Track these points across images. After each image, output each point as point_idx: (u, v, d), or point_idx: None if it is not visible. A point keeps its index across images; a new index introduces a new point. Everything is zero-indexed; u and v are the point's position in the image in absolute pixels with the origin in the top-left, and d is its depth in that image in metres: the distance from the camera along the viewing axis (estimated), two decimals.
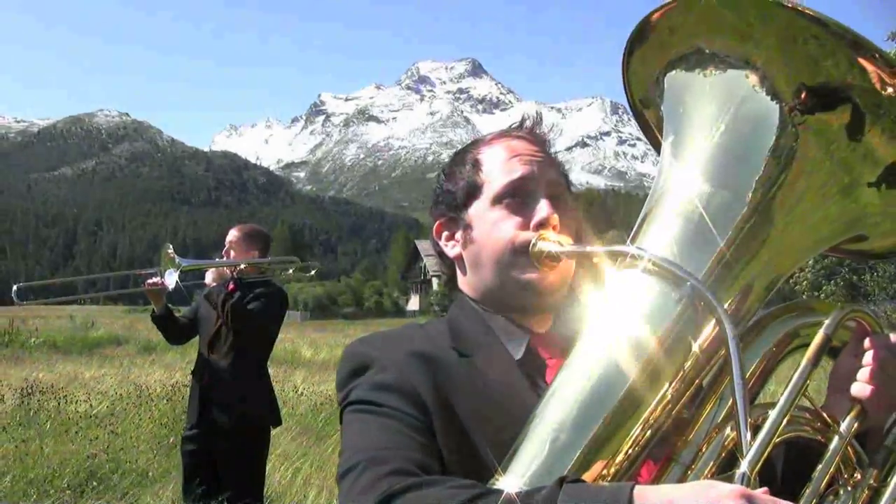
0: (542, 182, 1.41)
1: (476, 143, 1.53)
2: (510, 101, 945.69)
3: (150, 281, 5.05)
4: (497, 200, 1.40)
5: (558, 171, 1.47)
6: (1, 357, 19.56)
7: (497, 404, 1.27)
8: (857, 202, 1.29)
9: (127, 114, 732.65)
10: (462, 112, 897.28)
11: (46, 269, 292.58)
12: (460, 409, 1.26)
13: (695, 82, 1.30)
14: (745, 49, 1.23)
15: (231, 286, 4.99)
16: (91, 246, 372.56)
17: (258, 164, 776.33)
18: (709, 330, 1.16)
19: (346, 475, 1.16)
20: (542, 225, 1.35)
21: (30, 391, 11.17)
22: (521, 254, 1.35)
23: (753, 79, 1.23)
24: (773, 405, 1.16)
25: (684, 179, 1.26)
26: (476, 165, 1.46)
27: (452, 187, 1.50)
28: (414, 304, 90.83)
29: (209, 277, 5.02)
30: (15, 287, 5.82)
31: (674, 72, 1.34)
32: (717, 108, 1.26)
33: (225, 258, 5.11)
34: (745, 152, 1.24)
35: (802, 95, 1.19)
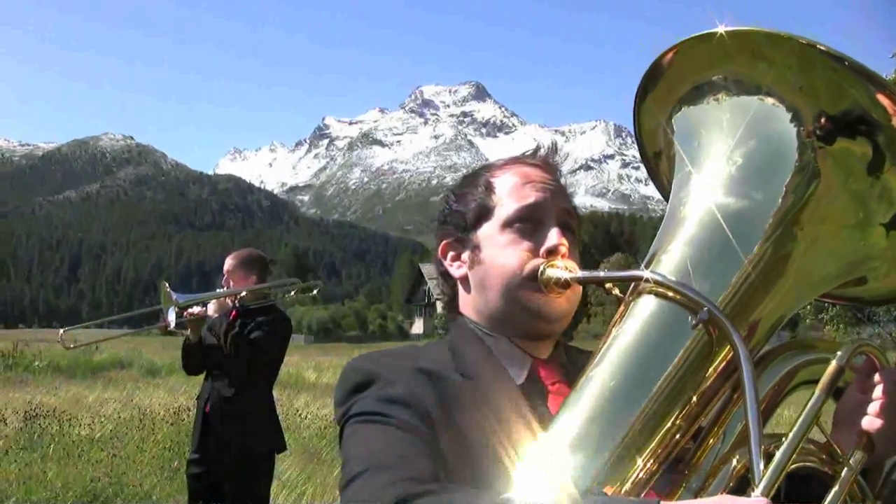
0: (553, 210, 1.42)
1: (489, 167, 1.54)
2: (514, 125, 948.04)
3: (191, 310, 5.03)
4: (508, 224, 1.41)
5: (569, 201, 1.47)
6: (4, 380, 19.56)
7: (499, 428, 1.26)
8: (867, 241, 1.28)
9: (131, 137, 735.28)
10: (466, 135, 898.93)
11: (51, 292, 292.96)
12: (466, 426, 1.26)
13: (707, 112, 1.29)
14: (759, 72, 1.22)
15: (233, 314, 5.01)
16: (95, 269, 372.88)
17: (262, 187, 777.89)
18: (721, 358, 1.15)
19: (353, 481, 1.15)
20: (552, 252, 1.36)
21: (33, 414, 11.17)
22: (529, 279, 1.36)
23: (769, 102, 1.21)
24: (780, 436, 1.16)
25: (701, 206, 1.25)
26: (489, 188, 1.46)
27: (463, 208, 1.50)
28: (418, 327, 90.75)
29: (211, 308, 5.02)
30: None
31: (685, 108, 1.33)
32: (731, 136, 1.25)
33: (225, 287, 5.11)
34: (762, 179, 1.23)
35: (822, 121, 1.18)
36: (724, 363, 1.15)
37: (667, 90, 1.35)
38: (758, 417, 1.02)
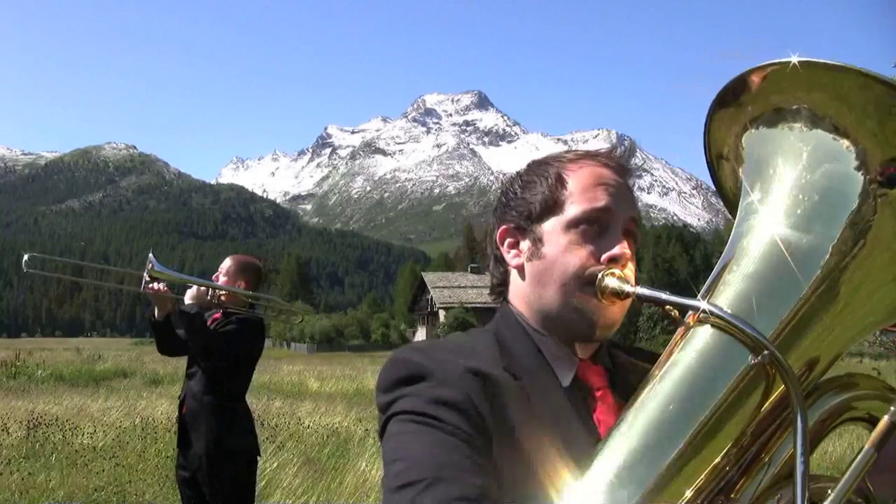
0: (621, 217, 1.40)
1: (561, 159, 1.51)
2: (516, 133, 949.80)
3: (154, 286, 5.06)
4: (574, 224, 1.39)
5: (636, 208, 1.47)
6: (7, 389, 19.63)
7: (546, 433, 1.28)
8: None
9: (134, 146, 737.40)
10: (468, 144, 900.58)
11: (53, 303, 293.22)
12: (519, 431, 1.27)
13: (782, 139, 1.29)
14: (839, 111, 1.23)
15: (217, 315, 5.06)
16: (98, 279, 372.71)
17: (265, 196, 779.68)
18: (773, 398, 1.16)
19: (404, 488, 1.14)
20: (614, 261, 1.35)
21: (36, 424, 11.22)
22: (586, 283, 1.35)
23: (843, 143, 1.22)
24: (818, 478, 1.19)
25: (766, 239, 1.25)
26: (560, 181, 1.44)
27: (530, 197, 1.48)
28: (421, 335, 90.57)
29: (188, 298, 5.03)
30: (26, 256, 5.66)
31: (761, 129, 1.33)
32: (803, 169, 1.25)
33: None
34: (825, 220, 1.23)
35: (888, 167, 1.19)
36: (774, 403, 1.16)
37: (745, 106, 1.33)
38: (806, 470, 1.03)
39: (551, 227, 1.42)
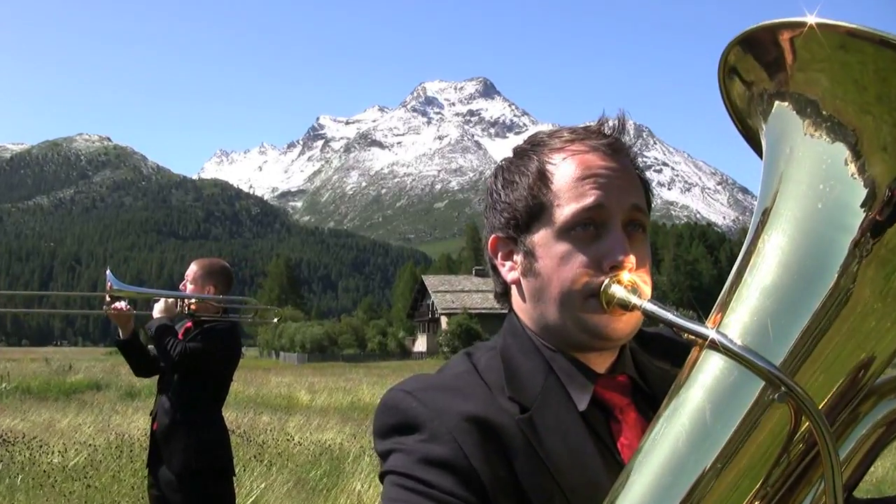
0: (618, 210, 1.33)
1: (542, 145, 1.42)
2: (525, 124, 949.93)
3: (115, 305, 5.06)
4: (564, 231, 1.33)
5: (638, 191, 1.38)
6: None
7: (559, 475, 1.26)
8: None
9: (108, 138, 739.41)
10: (473, 136, 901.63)
11: (20, 308, 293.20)
12: (525, 483, 1.25)
13: (804, 132, 1.23)
14: (860, 123, 1.15)
15: (189, 324, 5.06)
16: (69, 282, 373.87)
17: (251, 193, 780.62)
18: (801, 433, 1.11)
19: None
20: (616, 268, 1.29)
21: (0, 441, 11.15)
22: (590, 296, 1.30)
23: (853, 168, 1.17)
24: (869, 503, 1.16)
25: (778, 247, 1.21)
26: (543, 178, 1.37)
27: (513, 200, 1.41)
28: (421, 344, 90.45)
29: (156, 312, 5.02)
30: None
31: (787, 105, 1.25)
32: (815, 178, 1.20)
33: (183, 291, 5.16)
34: (844, 219, 1.17)
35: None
36: (806, 433, 1.11)
37: (772, 65, 1.24)
38: None
39: (541, 238, 1.37)
